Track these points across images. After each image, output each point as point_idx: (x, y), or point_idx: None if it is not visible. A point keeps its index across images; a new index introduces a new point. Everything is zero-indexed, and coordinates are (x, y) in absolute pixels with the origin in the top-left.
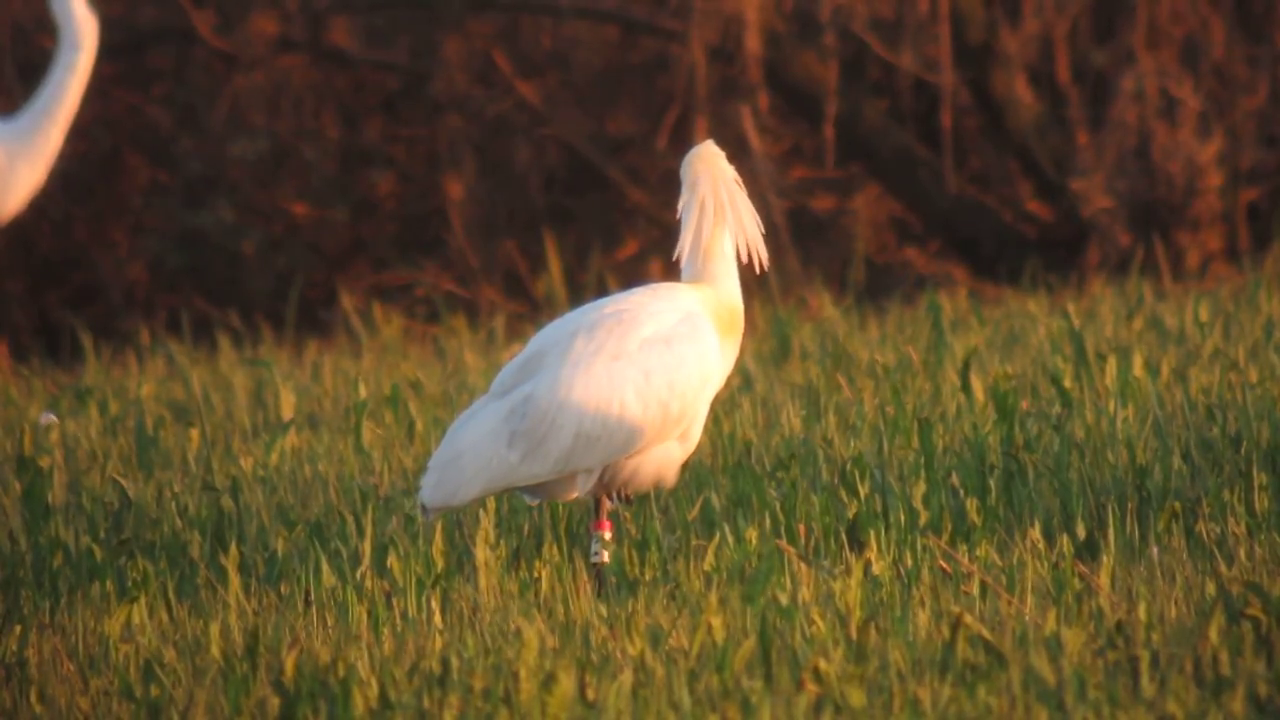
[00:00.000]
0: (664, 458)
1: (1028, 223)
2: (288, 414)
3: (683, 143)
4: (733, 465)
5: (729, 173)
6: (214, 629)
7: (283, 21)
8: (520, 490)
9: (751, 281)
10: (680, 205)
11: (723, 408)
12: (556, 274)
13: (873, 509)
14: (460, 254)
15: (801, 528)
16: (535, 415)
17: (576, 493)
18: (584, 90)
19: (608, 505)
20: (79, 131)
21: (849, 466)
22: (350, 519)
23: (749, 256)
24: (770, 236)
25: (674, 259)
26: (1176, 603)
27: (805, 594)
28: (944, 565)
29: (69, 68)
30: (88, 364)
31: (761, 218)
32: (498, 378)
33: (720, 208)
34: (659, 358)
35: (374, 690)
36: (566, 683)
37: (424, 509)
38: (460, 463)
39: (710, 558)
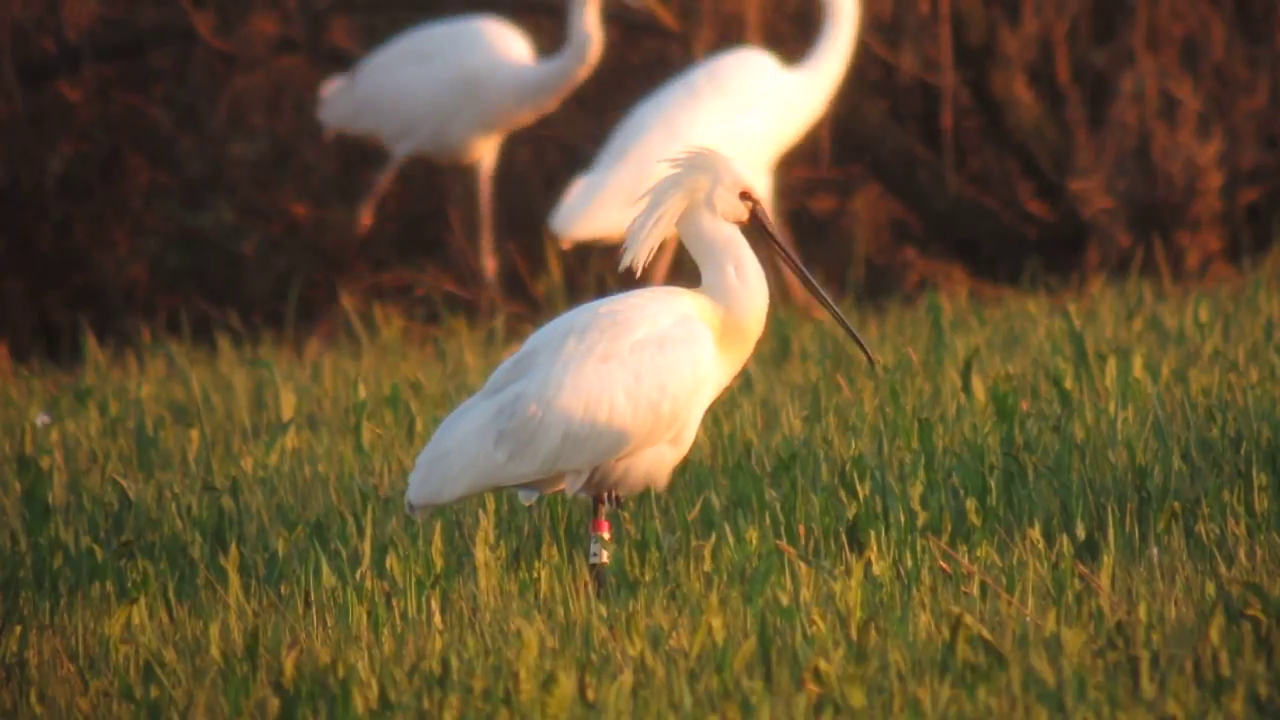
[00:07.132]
0: (654, 460)
1: (1028, 223)
2: (288, 414)
3: None
4: (733, 465)
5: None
6: (214, 629)
7: (283, 22)
8: (511, 488)
9: None
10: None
11: (723, 408)
12: (556, 274)
13: (873, 509)
14: (460, 254)
15: (801, 528)
16: (523, 415)
17: (566, 490)
18: (584, 90)
19: (605, 506)
20: (79, 132)
21: (849, 467)
22: (350, 519)
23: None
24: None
25: (619, 269)
26: (1176, 603)
27: (805, 594)
28: (944, 566)
29: (835, 37)
30: (88, 364)
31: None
32: (491, 377)
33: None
34: (650, 360)
35: (374, 691)
36: (566, 683)
37: (410, 506)
38: (447, 460)
39: (710, 558)
